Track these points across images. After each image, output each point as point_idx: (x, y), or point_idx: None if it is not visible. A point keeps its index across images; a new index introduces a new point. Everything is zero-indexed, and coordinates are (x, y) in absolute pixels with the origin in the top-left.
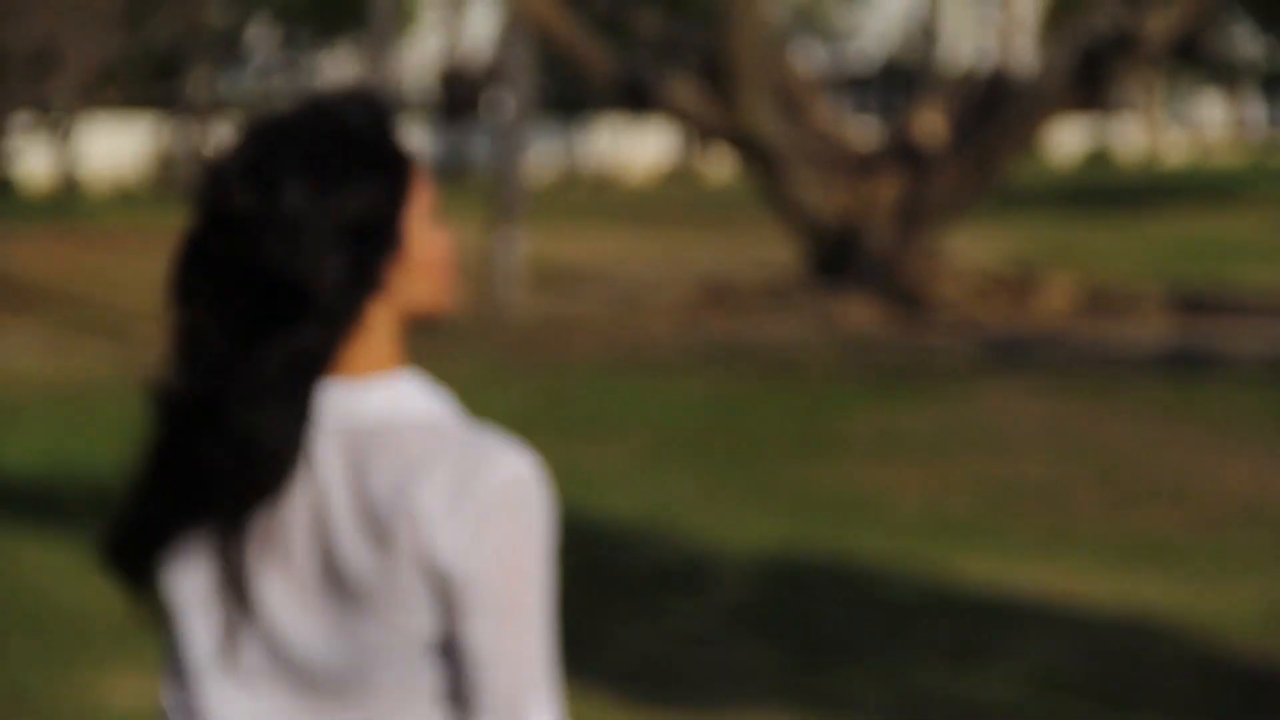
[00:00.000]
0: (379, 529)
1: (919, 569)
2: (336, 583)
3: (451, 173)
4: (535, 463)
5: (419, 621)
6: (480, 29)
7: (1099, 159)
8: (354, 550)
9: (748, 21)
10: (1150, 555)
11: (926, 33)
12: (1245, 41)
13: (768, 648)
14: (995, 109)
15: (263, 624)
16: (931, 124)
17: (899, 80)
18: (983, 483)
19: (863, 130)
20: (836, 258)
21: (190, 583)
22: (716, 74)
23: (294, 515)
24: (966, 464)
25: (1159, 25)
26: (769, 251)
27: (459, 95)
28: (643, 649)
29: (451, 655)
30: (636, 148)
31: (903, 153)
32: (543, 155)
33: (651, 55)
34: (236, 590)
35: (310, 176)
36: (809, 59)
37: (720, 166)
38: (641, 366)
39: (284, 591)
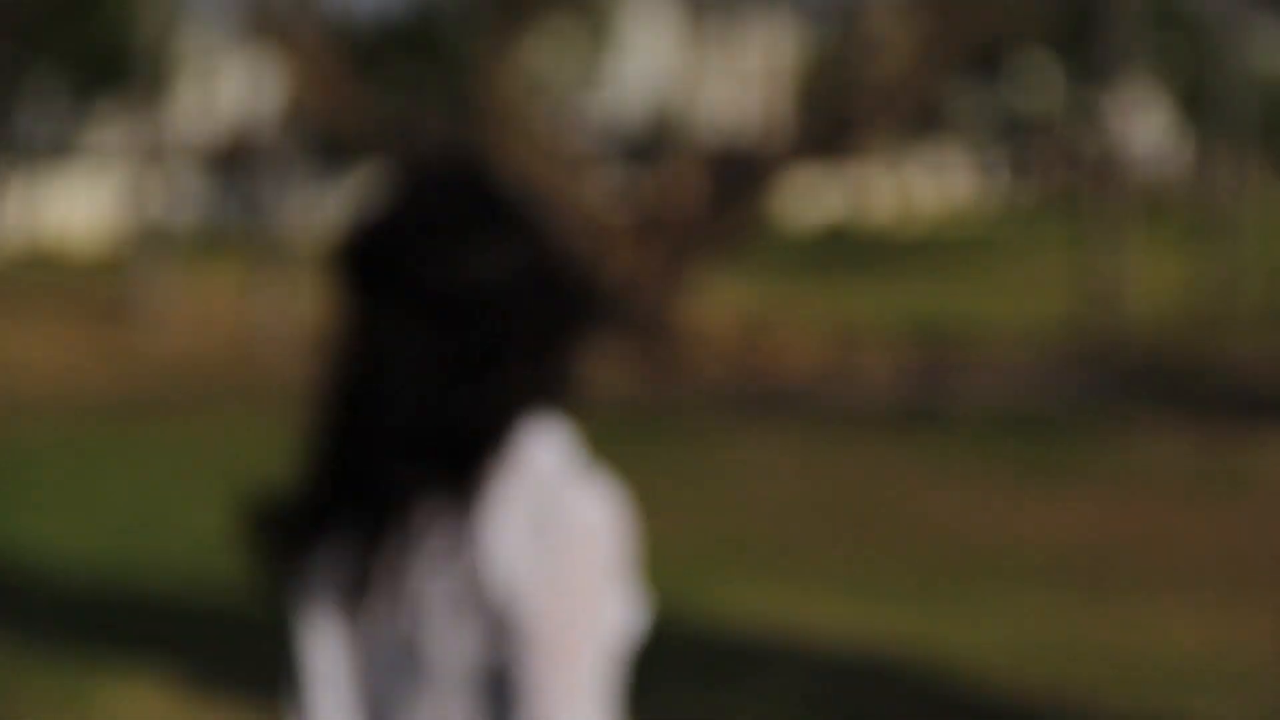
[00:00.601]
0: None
1: (667, 606)
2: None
3: (226, 229)
4: (618, 508)
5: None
6: (243, 83)
7: (849, 219)
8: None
9: (500, 83)
10: (886, 594)
11: (681, 92)
12: (987, 95)
13: None
14: (746, 169)
15: (399, 629)
16: (684, 184)
17: (650, 140)
18: (726, 526)
19: (616, 186)
20: (599, 320)
21: (325, 597)
22: (471, 137)
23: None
24: (709, 509)
25: (899, 82)
26: None
27: (230, 151)
28: None
29: (499, 684)
30: None
31: (655, 211)
32: (312, 210)
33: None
34: (366, 588)
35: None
36: (571, 119)
37: None
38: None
39: (417, 600)
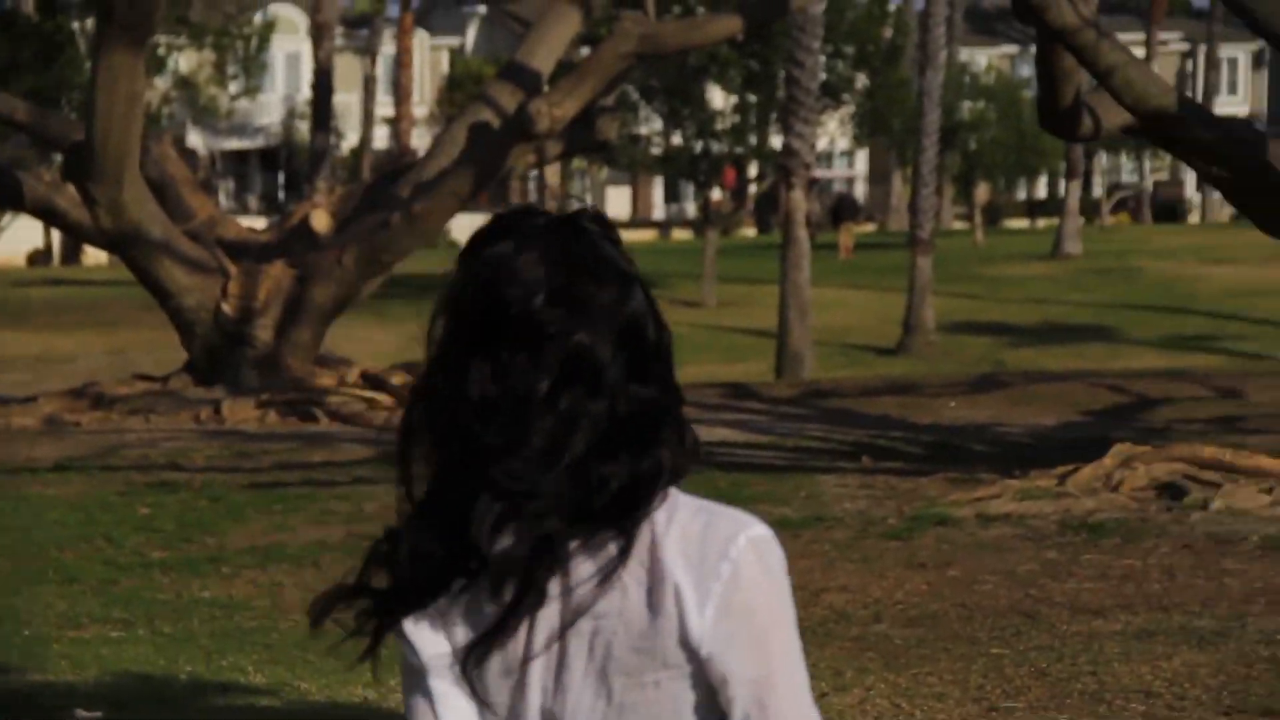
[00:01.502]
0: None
1: (301, 688)
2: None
3: None
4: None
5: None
6: None
7: None
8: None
9: (116, 112)
10: None
11: (317, 110)
12: (647, 124)
13: None
14: (388, 197)
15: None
16: (321, 215)
17: (286, 162)
18: None
19: (246, 221)
20: (220, 355)
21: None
22: (82, 168)
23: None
24: (353, 572)
25: (551, 112)
26: (153, 351)
27: None
28: None
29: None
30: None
31: (288, 246)
32: None
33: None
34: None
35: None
36: (196, 145)
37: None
38: (7, 474)
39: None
